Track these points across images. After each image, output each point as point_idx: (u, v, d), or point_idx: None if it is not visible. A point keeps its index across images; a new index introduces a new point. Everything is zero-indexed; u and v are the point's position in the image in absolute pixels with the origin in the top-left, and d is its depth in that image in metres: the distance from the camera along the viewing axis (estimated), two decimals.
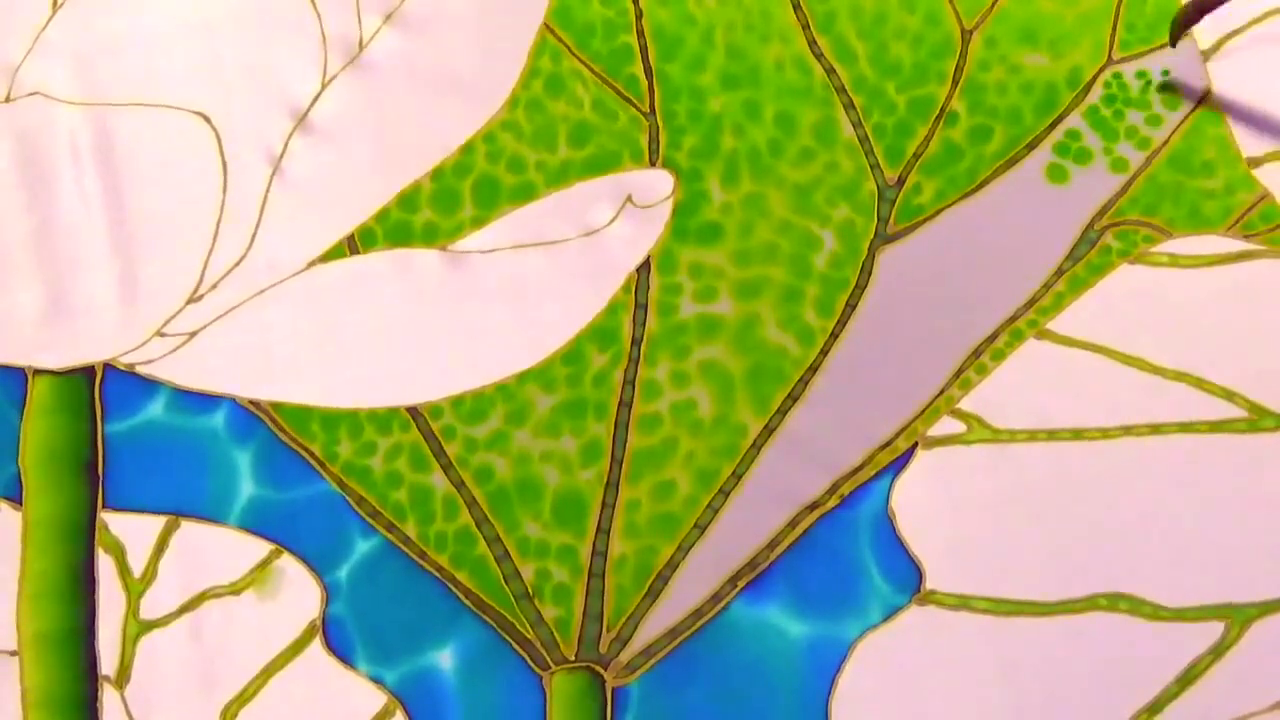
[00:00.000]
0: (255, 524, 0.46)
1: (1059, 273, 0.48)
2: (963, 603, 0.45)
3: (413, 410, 0.46)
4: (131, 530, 0.46)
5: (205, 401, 0.46)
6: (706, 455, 0.46)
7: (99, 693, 0.45)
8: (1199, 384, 0.46)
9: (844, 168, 0.48)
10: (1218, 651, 0.44)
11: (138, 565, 0.45)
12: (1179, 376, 0.47)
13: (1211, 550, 0.45)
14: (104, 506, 0.46)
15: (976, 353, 0.47)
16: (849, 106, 0.49)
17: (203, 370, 0.46)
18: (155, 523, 0.46)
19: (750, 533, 0.46)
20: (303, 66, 0.48)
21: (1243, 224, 0.48)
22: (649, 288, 0.47)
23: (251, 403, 0.46)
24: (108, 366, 0.46)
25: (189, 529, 0.46)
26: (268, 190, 0.47)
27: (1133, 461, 0.46)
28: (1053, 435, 0.46)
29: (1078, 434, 0.46)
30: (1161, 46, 0.49)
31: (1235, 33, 0.50)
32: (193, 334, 0.46)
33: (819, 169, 0.48)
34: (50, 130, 0.47)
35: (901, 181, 0.48)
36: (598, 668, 0.45)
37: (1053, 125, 0.49)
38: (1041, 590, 0.45)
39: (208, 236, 0.46)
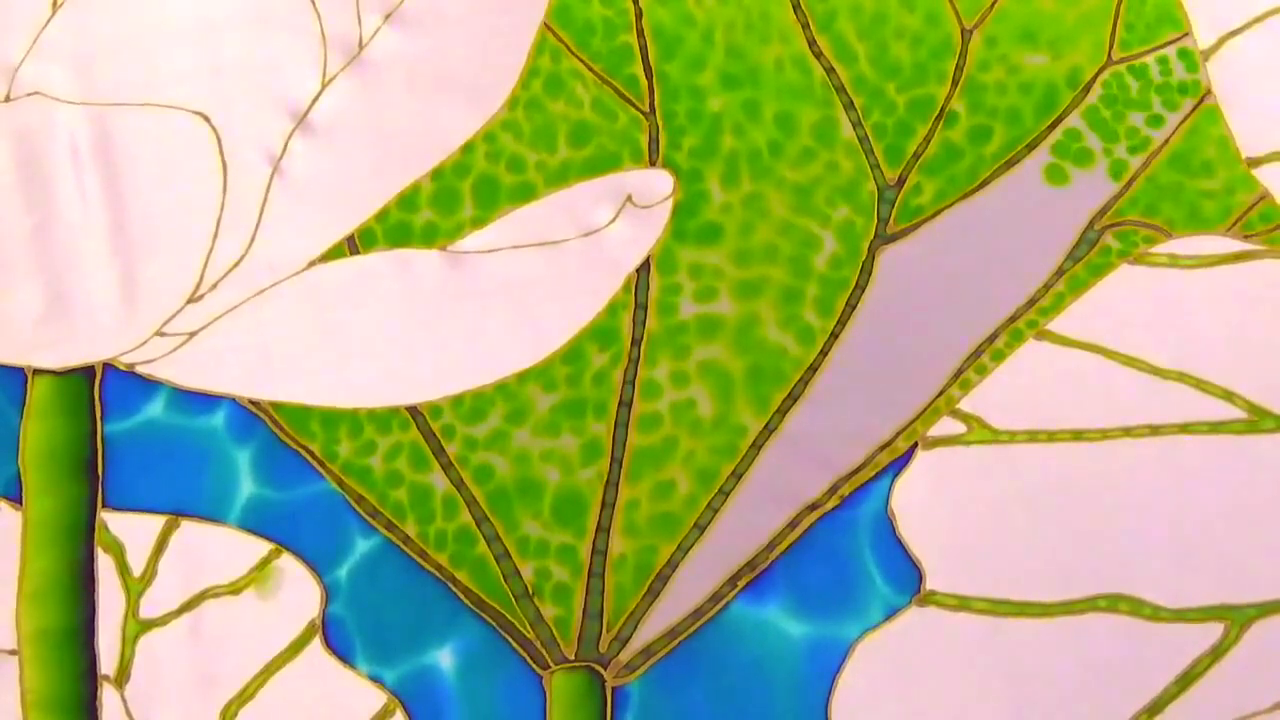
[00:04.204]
0: (255, 523, 0.46)
1: (1059, 273, 0.48)
2: (963, 603, 0.45)
3: (412, 409, 0.46)
4: (131, 530, 0.46)
5: (205, 401, 0.46)
6: (706, 455, 0.46)
7: (98, 692, 0.45)
8: (1198, 385, 0.46)
9: (844, 168, 0.48)
10: (1217, 652, 0.45)
11: (137, 565, 0.45)
12: (1178, 377, 0.47)
13: (1211, 551, 0.45)
14: (104, 506, 0.46)
15: (976, 353, 0.47)
16: (849, 106, 0.49)
17: (203, 370, 0.46)
18: (155, 522, 0.46)
19: (750, 533, 0.46)
20: (303, 66, 0.48)
21: (1242, 224, 0.48)
22: (649, 288, 0.47)
23: (251, 402, 0.46)
24: (107, 366, 0.46)
25: (189, 528, 0.46)
26: (268, 190, 0.47)
27: (1132, 462, 0.46)
28: (1052, 436, 0.46)
29: (1077, 435, 0.46)
30: (1162, 46, 0.49)
31: (1235, 32, 0.50)
32: (193, 334, 0.46)
33: (819, 169, 0.48)
34: (50, 130, 0.47)
35: (901, 181, 0.48)
36: (597, 667, 0.45)
37: (1052, 125, 0.49)
38: (1041, 591, 0.45)
39: (208, 236, 0.46)
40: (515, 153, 0.48)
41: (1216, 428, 0.46)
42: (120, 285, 0.46)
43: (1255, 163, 0.48)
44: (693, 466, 0.46)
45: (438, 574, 0.45)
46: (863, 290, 0.47)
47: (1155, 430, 0.46)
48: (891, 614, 0.45)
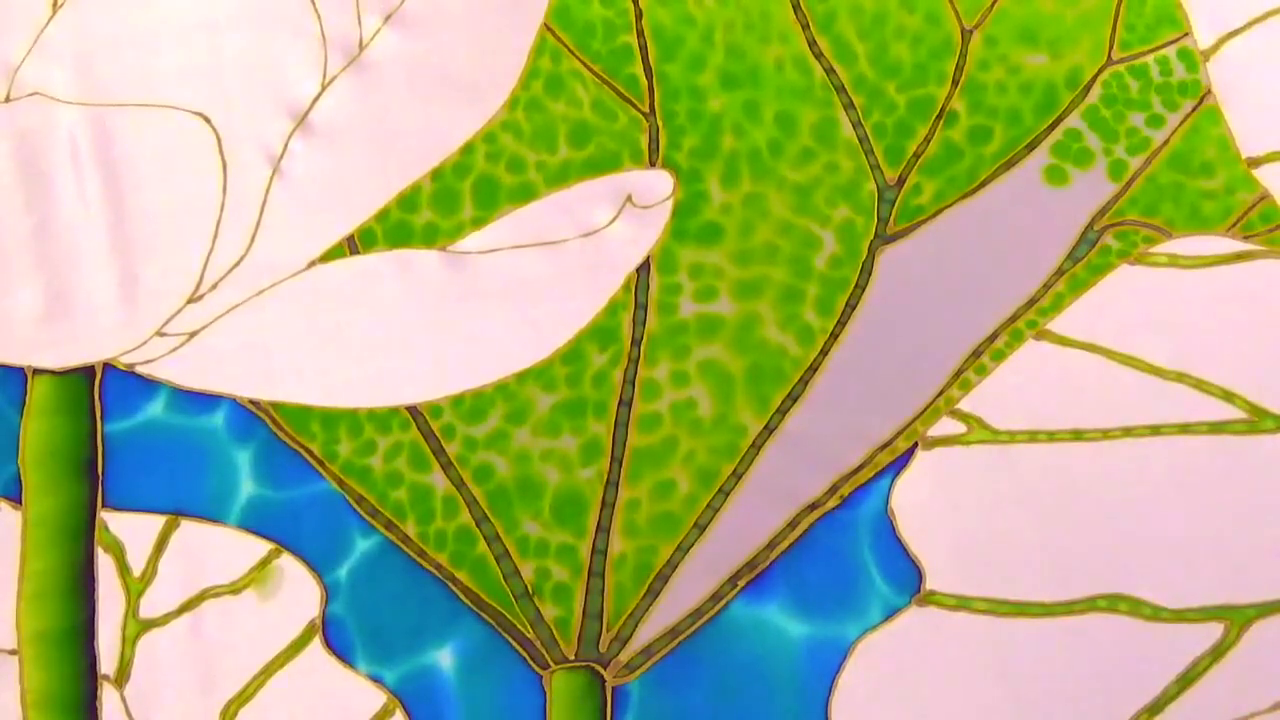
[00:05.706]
0: (255, 523, 0.46)
1: (1059, 273, 0.48)
2: (963, 603, 0.45)
3: (412, 409, 0.46)
4: (131, 529, 0.46)
5: (205, 401, 0.46)
6: (706, 455, 0.46)
7: (99, 692, 0.45)
8: (1198, 385, 0.46)
9: (844, 168, 0.48)
10: (1217, 652, 0.44)
11: (137, 564, 0.45)
12: (1178, 377, 0.47)
13: (1211, 551, 0.45)
14: (104, 506, 0.46)
15: (976, 353, 0.47)
16: (849, 106, 0.49)
17: (203, 370, 0.46)
18: (155, 522, 0.46)
19: (750, 533, 0.46)
20: (303, 66, 0.48)
21: (1242, 224, 0.48)
22: (649, 288, 0.47)
23: (251, 402, 0.46)
24: (108, 366, 0.46)
25: (189, 528, 0.46)
26: (268, 190, 0.47)
27: (1133, 462, 0.46)
28: (1053, 436, 0.46)
29: (1078, 435, 0.46)
30: (1162, 46, 0.49)
31: (1235, 32, 0.50)
32: (193, 334, 0.46)
33: (819, 169, 0.48)
34: (50, 130, 0.47)
35: (901, 182, 0.48)
36: (597, 667, 0.45)
37: (1052, 125, 0.49)
38: (1041, 591, 0.45)
39: (208, 236, 0.46)
40: (515, 153, 0.48)
41: (1217, 428, 0.46)
42: (120, 285, 0.46)
43: (1255, 163, 0.48)
44: (693, 466, 0.46)
45: (437, 574, 0.46)
46: (863, 290, 0.47)
47: (1155, 430, 0.46)
48: (891, 614, 0.45)
